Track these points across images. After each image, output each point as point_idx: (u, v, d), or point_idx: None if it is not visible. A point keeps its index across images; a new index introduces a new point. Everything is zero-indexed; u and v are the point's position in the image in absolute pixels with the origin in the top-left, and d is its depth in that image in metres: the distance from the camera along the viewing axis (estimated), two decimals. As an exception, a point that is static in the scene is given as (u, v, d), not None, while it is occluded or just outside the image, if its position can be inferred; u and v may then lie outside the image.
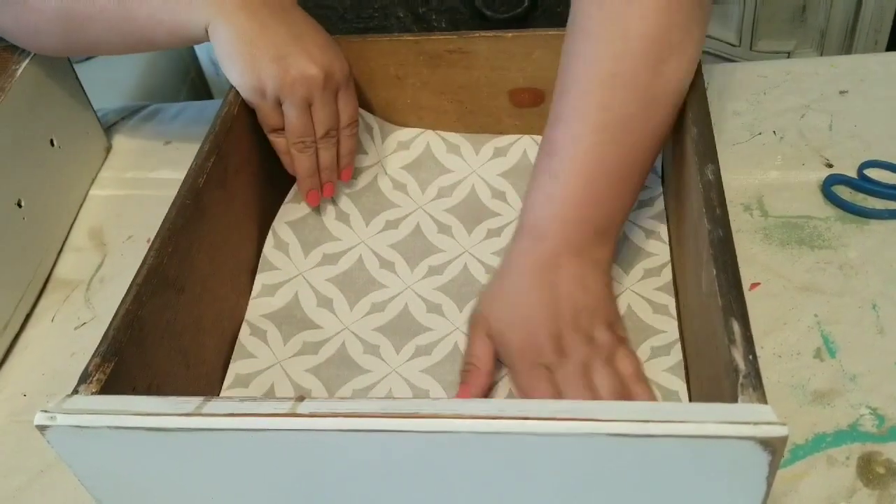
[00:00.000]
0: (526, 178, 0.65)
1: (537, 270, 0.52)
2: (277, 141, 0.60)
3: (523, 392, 0.51)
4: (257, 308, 0.59)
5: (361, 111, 0.68)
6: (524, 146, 0.67)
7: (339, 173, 0.63)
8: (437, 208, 0.65)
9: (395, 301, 0.59)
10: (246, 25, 0.57)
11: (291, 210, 0.63)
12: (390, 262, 0.61)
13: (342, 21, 0.73)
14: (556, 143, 0.52)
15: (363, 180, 0.66)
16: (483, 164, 0.67)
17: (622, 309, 0.56)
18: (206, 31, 0.58)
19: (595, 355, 0.50)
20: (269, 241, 0.61)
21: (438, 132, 0.68)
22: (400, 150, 0.68)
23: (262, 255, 0.61)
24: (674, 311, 0.56)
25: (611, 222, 0.53)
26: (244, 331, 0.57)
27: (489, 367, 0.52)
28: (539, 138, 0.67)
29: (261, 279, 0.60)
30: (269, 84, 0.57)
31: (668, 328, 0.54)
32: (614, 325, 0.52)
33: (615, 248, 0.55)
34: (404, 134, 0.69)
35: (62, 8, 0.61)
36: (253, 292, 0.59)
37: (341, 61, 0.60)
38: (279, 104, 0.58)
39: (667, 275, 0.58)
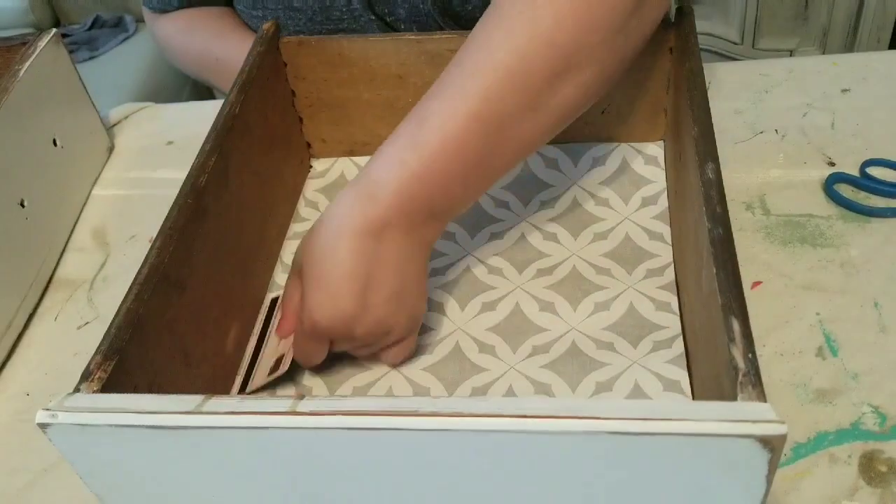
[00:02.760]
0: (528, 187, 0.66)
1: (359, 234, 0.49)
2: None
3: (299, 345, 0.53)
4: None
5: (355, 159, 0.70)
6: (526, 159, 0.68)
7: None
8: None
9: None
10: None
11: (297, 245, 0.64)
12: None
13: (311, 22, 0.74)
14: (430, 114, 0.49)
15: None
16: None
17: (624, 307, 0.56)
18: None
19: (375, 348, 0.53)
20: (278, 267, 0.63)
21: None
22: None
23: (271, 277, 0.63)
24: (676, 309, 0.56)
25: (450, 210, 0.52)
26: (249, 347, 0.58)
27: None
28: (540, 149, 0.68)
29: (269, 297, 0.61)
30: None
31: (670, 324, 0.55)
32: (411, 331, 0.53)
33: (442, 230, 0.53)
34: None
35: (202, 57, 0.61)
36: (263, 306, 0.61)
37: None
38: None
39: (669, 275, 0.58)
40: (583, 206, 0.64)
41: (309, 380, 0.55)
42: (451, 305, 0.58)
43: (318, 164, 0.72)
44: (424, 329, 0.57)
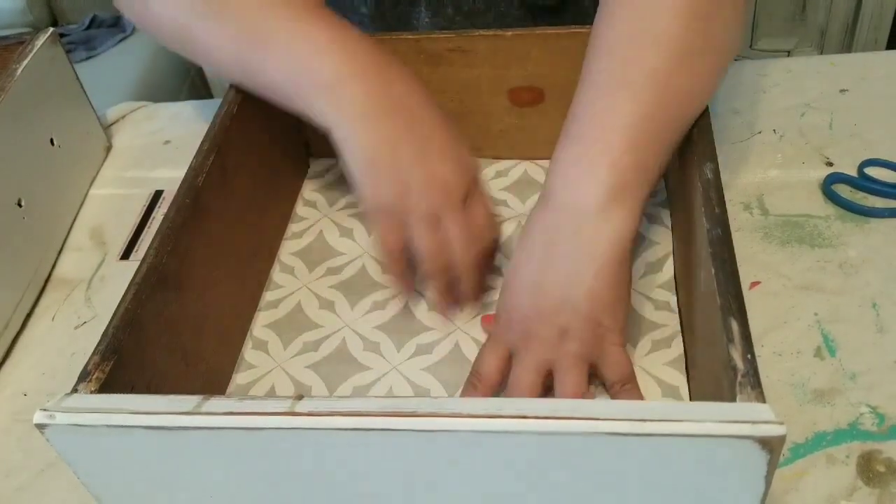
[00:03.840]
0: (528, 191, 0.66)
1: (547, 235, 0.49)
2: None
3: (476, 362, 0.52)
4: (261, 319, 0.59)
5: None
6: (524, 167, 0.68)
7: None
8: None
9: (396, 299, 0.59)
10: (367, 142, 0.52)
11: (294, 244, 0.65)
12: None
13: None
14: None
15: None
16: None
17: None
18: (329, 131, 0.53)
19: (564, 355, 0.48)
20: (276, 267, 0.63)
21: None
22: None
23: (268, 277, 0.62)
24: (675, 307, 0.56)
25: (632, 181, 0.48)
26: (247, 345, 0.58)
27: (492, 383, 0.51)
28: (539, 161, 0.68)
29: (266, 296, 0.61)
30: (389, 203, 0.52)
31: (669, 322, 0.55)
32: (602, 320, 0.48)
33: (638, 219, 0.49)
34: None
35: (180, 27, 0.58)
36: (259, 305, 0.60)
37: (468, 170, 0.55)
38: (401, 223, 0.53)
39: (668, 271, 0.58)
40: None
41: (308, 379, 0.55)
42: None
43: (316, 165, 0.72)
44: (423, 329, 0.57)
